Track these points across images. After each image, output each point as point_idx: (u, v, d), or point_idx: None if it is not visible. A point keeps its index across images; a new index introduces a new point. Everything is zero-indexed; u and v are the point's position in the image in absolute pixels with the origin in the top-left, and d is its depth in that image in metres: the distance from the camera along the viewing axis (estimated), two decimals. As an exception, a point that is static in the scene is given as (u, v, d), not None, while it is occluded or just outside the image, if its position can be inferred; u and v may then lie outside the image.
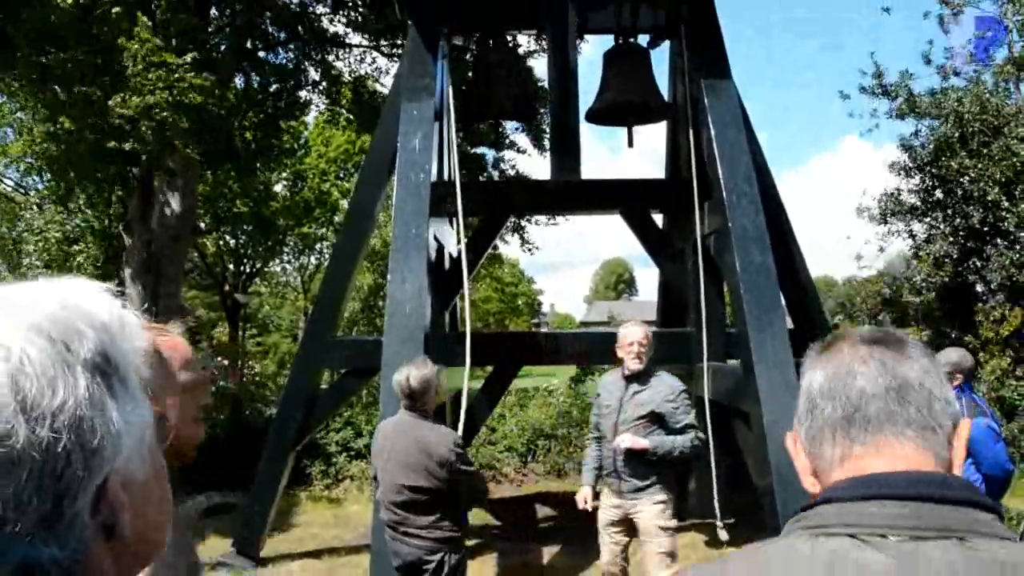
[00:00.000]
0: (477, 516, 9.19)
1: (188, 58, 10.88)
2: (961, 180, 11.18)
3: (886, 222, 12.44)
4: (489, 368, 9.56)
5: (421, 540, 4.48)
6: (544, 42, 10.55)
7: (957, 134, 11.39)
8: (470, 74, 9.64)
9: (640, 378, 5.21)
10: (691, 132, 7.36)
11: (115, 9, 10.78)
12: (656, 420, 5.14)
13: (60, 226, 14.86)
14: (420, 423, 4.52)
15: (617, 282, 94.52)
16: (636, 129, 8.40)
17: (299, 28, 15.00)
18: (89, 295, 0.79)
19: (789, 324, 7.34)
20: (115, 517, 0.71)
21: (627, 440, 5.04)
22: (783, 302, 6.84)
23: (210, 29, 14.10)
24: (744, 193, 6.67)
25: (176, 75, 10.73)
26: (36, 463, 0.65)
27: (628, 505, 5.21)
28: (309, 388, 8.11)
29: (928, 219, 12.15)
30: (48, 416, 0.66)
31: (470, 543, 7.41)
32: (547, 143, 15.20)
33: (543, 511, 9.95)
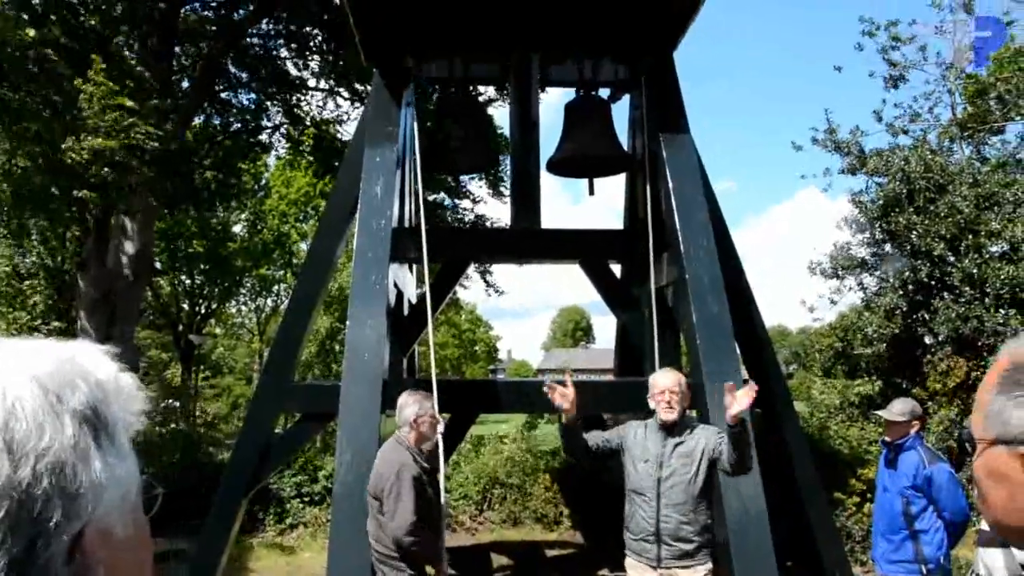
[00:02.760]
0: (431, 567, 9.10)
1: (142, 105, 10.81)
2: (909, 235, 11.50)
3: (837, 276, 12.74)
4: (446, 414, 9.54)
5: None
6: (506, 92, 10.71)
7: (904, 191, 11.75)
8: (428, 124, 9.76)
9: (679, 429, 4.69)
10: (648, 184, 7.48)
11: (61, 59, 10.70)
12: (710, 468, 4.57)
13: (10, 261, 14.59)
14: None
15: (575, 329, 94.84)
16: (599, 180, 8.54)
17: (262, 70, 15.06)
18: (90, 356, 0.83)
19: (744, 375, 7.46)
20: (90, 569, 0.71)
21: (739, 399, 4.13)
22: (738, 352, 6.93)
23: (174, 68, 14.11)
24: (700, 245, 6.80)
25: (130, 120, 10.68)
26: (13, 502, 0.66)
27: None
28: (264, 432, 8.00)
29: (878, 272, 12.47)
30: (32, 457, 0.68)
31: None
32: (505, 190, 15.38)
33: (499, 560, 9.88)
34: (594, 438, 4.85)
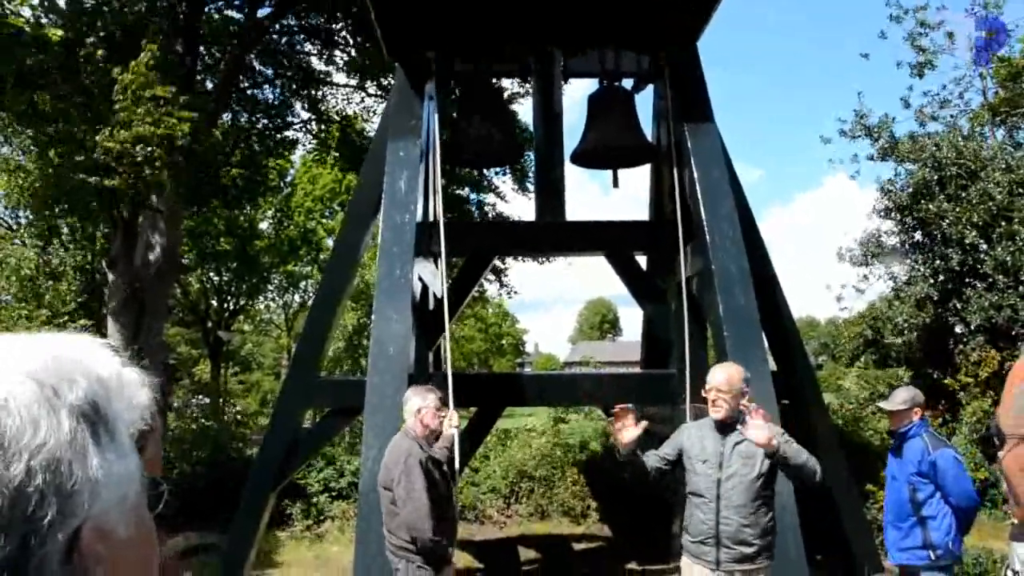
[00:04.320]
0: (460, 558, 9.11)
1: (174, 92, 10.91)
2: (940, 223, 11.33)
3: (867, 264, 12.58)
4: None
5: None
6: (529, 85, 10.67)
7: (935, 178, 11.56)
8: (455, 115, 9.75)
9: (735, 428, 4.47)
10: (674, 174, 7.42)
11: (99, 51, 10.84)
12: (772, 468, 4.40)
13: (34, 261, 14.79)
14: None
15: (601, 322, 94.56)
16: (626, 170, 8.50)
17: (286, 66, 15.14)
18: (91, 351, 0.81)
19: (772, 366, 7.40)
20: (89, 569, 0.70)
21: (757, 428, 4.21)
22: (765, 344, 6.87)
23: (199, 66, 14.21)
24: (727, 235, 6.74)
25: (164, 109, 10.79)
26: (5, 500, 0.65)
27: None
28: (292, 428, 8.04)
29: (908, 261, 12.29)
30: (25, 453, 0.66)
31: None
32: (530, 185, 15.35)
33: (526, 554, 9.87)
34: (654, 459, 4.70)
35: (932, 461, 5.26)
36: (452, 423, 5.44)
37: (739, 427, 4.47)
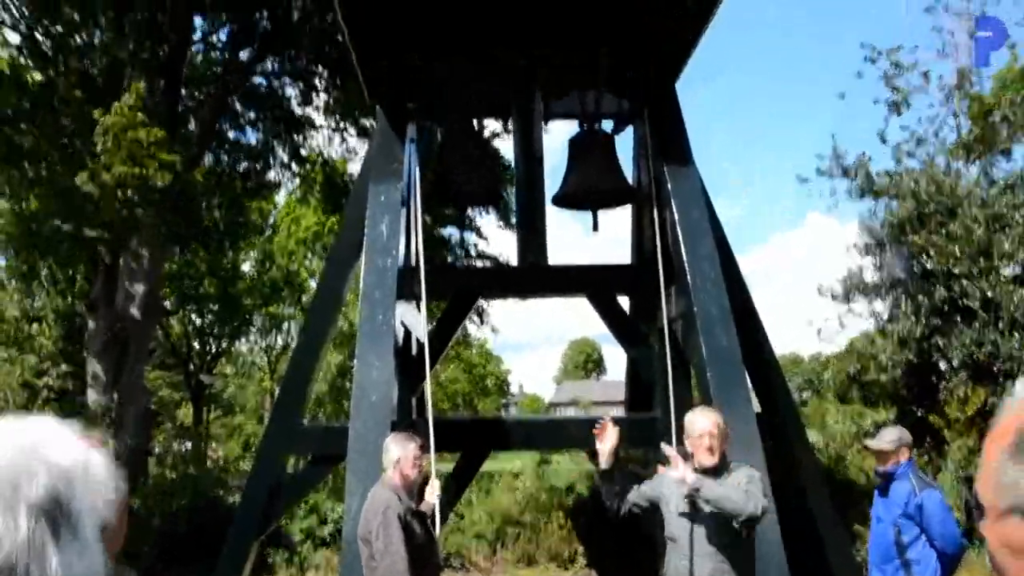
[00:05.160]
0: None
1: (159, 134, 10.91)
2: (921, 259, 11.41)
3: (848, 300, 12.64)
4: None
5: None
6: (511, 125, 10.74)
7: (915, 213, 11.67)
8: (437, 156, 9.79)
9: (715, 473, 4.40)
10: (654, 216, 7.45)
11: (77, 92, 10.83)
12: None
13: (19, 304, 14.65)
14: None
15: (586, 361, 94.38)
16: (607, 212, 8.53)
17: (267, 109, 15.20)
18: (55, 438, 0.79)
19: (756, 407, 7.37)
20: None
21: (680, 471, 4.24)
22: (749, 385, 6.85)
23: (180, 109, 14.24)
24: (707, 276, 6.74)
25: (146, 151, 10.77)
26: None
27: None
28: (274, 475, 7.92)
29: (890, 297, 12.36)
30: None
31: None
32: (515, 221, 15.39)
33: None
34: (634, 494, 4.69)
35: (919, 503, 5.22)
36: (435, 492, 5.37)
37: (727, 471, 4.45)
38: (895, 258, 11.92)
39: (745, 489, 4.33)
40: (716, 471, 4.42)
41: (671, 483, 4.53)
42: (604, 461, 4.60)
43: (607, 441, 4.60)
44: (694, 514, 4.40)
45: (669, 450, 4.46)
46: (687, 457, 4.52)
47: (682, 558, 4.42)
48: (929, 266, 11.23)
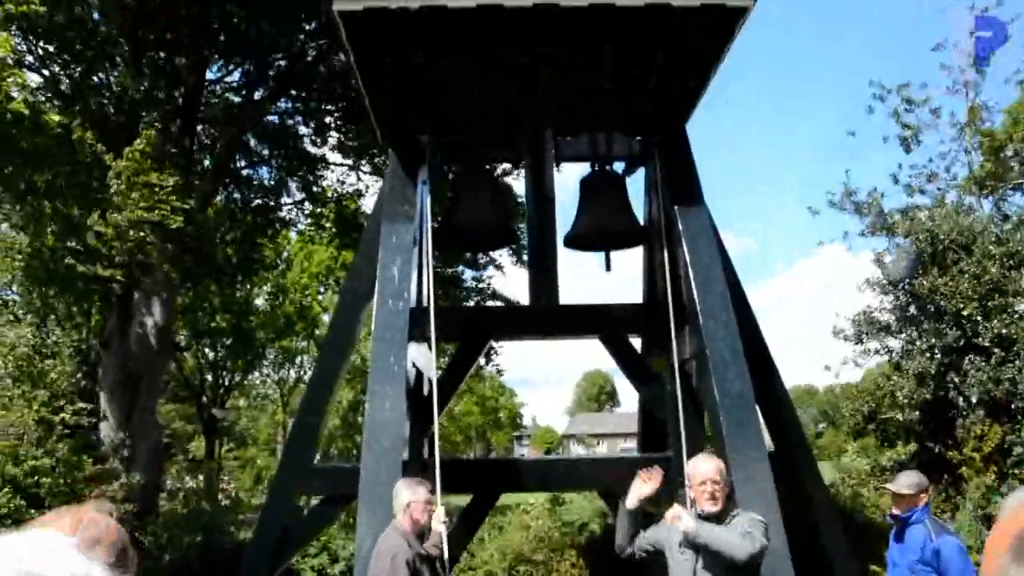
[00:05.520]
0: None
1: (171, 181, 11.04)
2: (934, 297, 11.36)
3: (861, 342, 12.57)
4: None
5: None
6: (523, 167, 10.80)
7: (929, 252, 11.62)
8: (449, 197, 9.85)
9: (718, 519, 4.43)
10: (665, 258, 7.46)
11: (89, 133, 10.97)
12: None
13: (31, 340, 14.73)
14: None
15: (599, 394, 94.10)
16: (618, 252, 8.55)
17: (281, 147, 15.35)
18: (56, 557, 0.80)
19: (769, 446, 7.33)
20: None
21: (678, 518, 4.30)
22: (762, 428, 6.82)
23: (195, 147, 14.40)
24: (719, 318, 6.73)
25: (158, 196, 10.89)
26: None
27: None
28: (285, 515, 7.91)
29: (903, 335, 12.29)
30: None
31: None
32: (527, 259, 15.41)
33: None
34: (641, 540, 4.72)
35: (936, 549, 5.16)
36: (440, 519, 5.36)
37: (730, 516, 4.47)
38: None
39: (747, 531, 4.35)
40: (719, 518, 4.44)
41: (672, 529, 4.54)
42: (633, 502, 4.60)
43: (648, 486, 4.60)
44: (696, 559, 4.39)
45: (673, 511, 4.46)
46: (692, 503, 4.55)
47: None
48: (942, 303, 11.18)
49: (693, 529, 4.27)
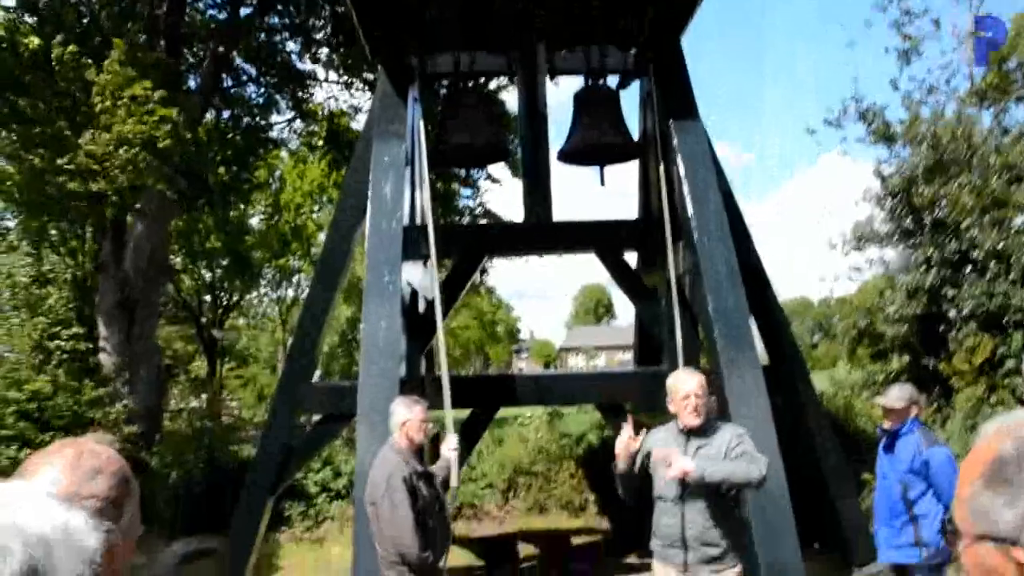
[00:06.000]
0: (458, 556, 9.13)
1: (156, 94, 10.85)
2: (932, 210, 11.30)
3: (859, 250, 12.54)
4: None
5: None
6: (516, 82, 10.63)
7: (931, 163, 11.47)
8: (439, 112, 9.71)
9: (701, 432, 4.49)
10: (660, 172, 7.40)
11: (70, 48, 10.72)
12: None
13: (30, 268, 14.71)
14: None
15: (596, 307, 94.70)
16: (613, 168, 8.48)
17: (269, 63, 15.05)
18: (32, 507, 0.80)
19: (764, 358, 7.41)
20: None
21: (682, 466, 4.23)
22: (755, 341, 6.88)
23: (182, 67, 14.12)
24: (714, 232, 6.73)
25: (145, 108, 10.71)
26: None
27: None
28: (286, 435, 8.04)
29: (901, 247, 12.26)
30: None
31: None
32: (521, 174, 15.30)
33: (526, 549, 9.89)
34: (638, 481, 4.72)
35: (925, 459, 5.23)
36: (451, 447, 5.42)
37: (713, 429, 4.54)
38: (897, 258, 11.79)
39: (743, 452, 4.41)
40: (702, 430, 4.49)
41: (657, 443, 4.58)
42: (624, 463, 4.59)
43: (633, 444, 4.57)
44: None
45: (659, 452, 4.44)
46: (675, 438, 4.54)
47: (673, 517, 4.47)
48: (940, 216, 11.12)
49: (699, 472, 4.23)
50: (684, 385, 4.51)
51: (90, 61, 11.06)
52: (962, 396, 10.13)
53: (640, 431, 4.67)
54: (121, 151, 10.71)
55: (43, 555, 0.76)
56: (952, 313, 10.79)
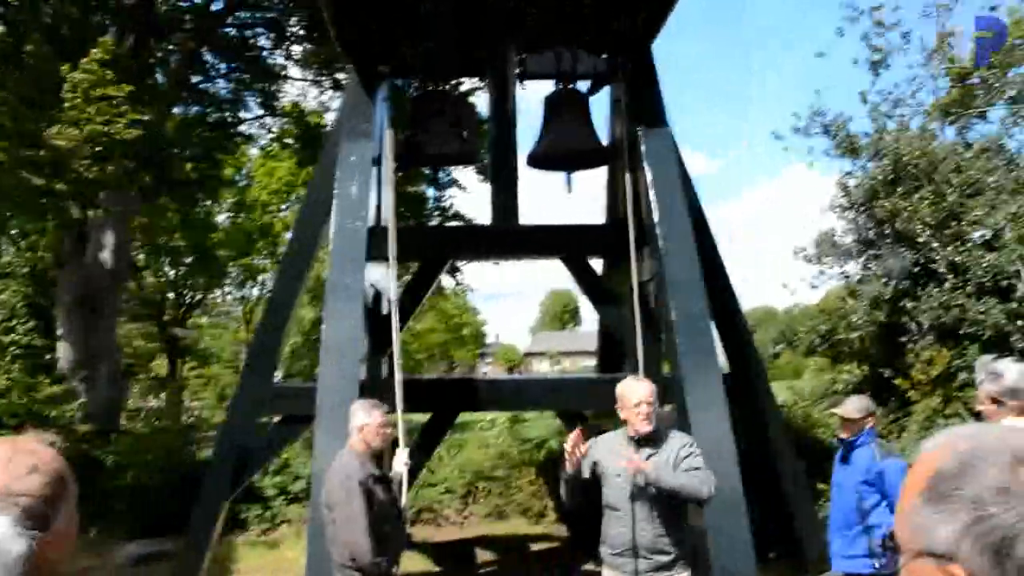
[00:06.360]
0: (415, 562, 9.08)
1: (126, 90, 10.71)
2: (893, 222, 11.44)
3: (819, 261, 12.68)
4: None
5: None
6: (485, 85, 10.61)
7: (892, 176, 11.64)
8: (409, 112, 9.66)
9: (651, 440, 4.51)
10: (628, 179, 7.42)
11: (42, 46, 10.58)
12: None
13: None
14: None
15: (563, 312, 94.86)
16: (583, 173, 8.48)
17: (239, 58, 14.92)
18: None
19: (724, 368, 7.44)
20: None
21: (637, 461, 4.28)
22: (717, 350, 6.91)
23: (151, 60, 13.95)
24: (679, 239, 6.74)
25: (116, 109, 10.58)
26: None
27: None
28: (245, 435, 7.93)
29: (863, 258, 12.41)
30: None
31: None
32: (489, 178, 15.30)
33: (484, 555, 9.86)
34: (583, 485, 4.68)
35: (880, 470, 5.29)
36: (402, 461, 5.39)
37: (662, 438, 4.54)
38: (894, 259, 11.84)
39: (695, 468, 4.44)
40: (652, 439, 4.50)
41: (606, 453, 4.58)
42: (571, 467, 4.53)
43: (580, 449, 4.49)
44: (631, 483, 4.44)
45: (624, 456, 4.42)
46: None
47: (623, 525, 4.47)
48: (899, 228, 11.27)
49: (654, 473, 4.29)
50: (636, 392, 4.51)
51: (58, 59, 10.90)
52: (919, 407, 10.26)
53: (589, 440, 4.62)
54: (87, 147, 10.57)
55: None
56: (912, 326, 10.94)
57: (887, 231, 11.67)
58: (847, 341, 12.10)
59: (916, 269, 11.14)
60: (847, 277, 12.59)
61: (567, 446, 4.52)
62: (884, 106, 13.09)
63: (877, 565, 5.33)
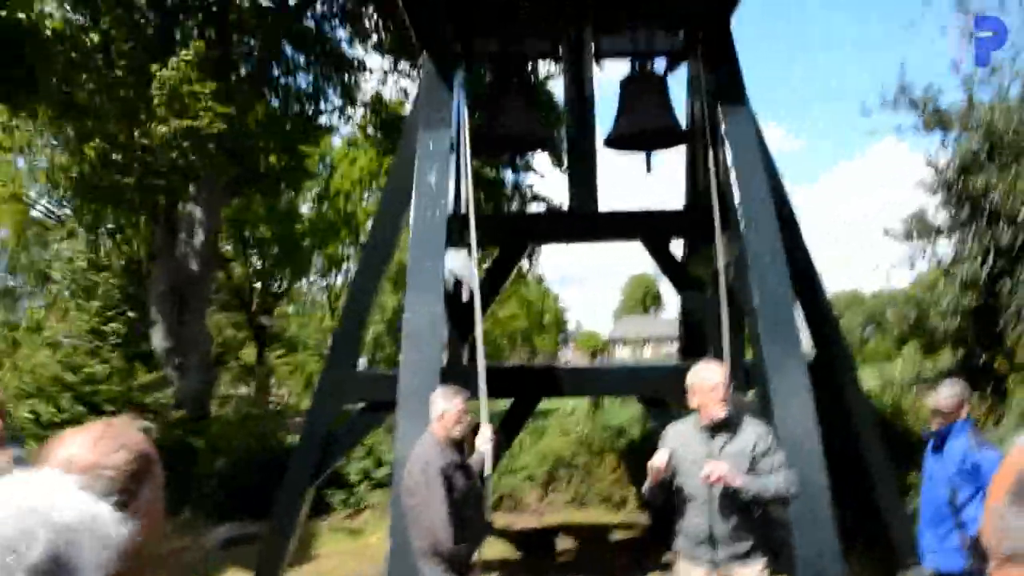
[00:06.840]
0: (495, 549, 9.12)
1: (209, 87, 10.99)
2: (988, 198, 10.93)
3: (912, 240, 12.18)
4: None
5: None
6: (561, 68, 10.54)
7: (985, 147, 11.09)
8: (485, 98, 9.66)
9: (727, 427, 4.41)
10: (709, 159, 7.26)
11: (128, 46, 10.91)
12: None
13: (86, 254, 15.04)
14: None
15: (644, 297, 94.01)
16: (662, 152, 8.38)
17: (318, 51, 15.15)
18: (58, 496, 0.81)
19: (808, 353, 7.25)
20: None
21: (720, 471, 4.18)
22: (799, 334, 6.71)
23: (233, 57, 14.28)
24: (761, 221, 6.58)
25: (200, 104, 10.86)
26: None
27: None
28: (328, 424, 8.07)
29: (955, 238, 11.89)
30: None
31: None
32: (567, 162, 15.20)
33: (564, 543, 9.84)
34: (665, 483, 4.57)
35: (976, 462, 4.99)
36: (485, 438, 5.38)
37: (738, 424, 4.45)
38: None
39: (777, 466, 4.37)
40: (726, 424, 4.40)
41: (681, 443, 4.49)
42: (654, 485, 4.47)
43: (661, 473, 4.40)
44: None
45: (708, 467, 4.28)
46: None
47: (701, 514, 4.39)
48: (995, 205, 10.75)
49: (738, 484, 4.21)
50: (711, 377, 4.41)
51: (145, 58, 11.25)
52: (1019, 395, 9.80)
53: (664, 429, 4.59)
54: (175, 142, 10.90)
55: (65, 543, 0.77)
56: (1012, 308, 10.43)
57: (983, 208, 11.12)
58: (938, 328, 11.59)
59: (1014, 249, 10.60)
60: (939, 261, 12.06)
61: (652, 466, 4.41)
62: (980, 74, 12.45)
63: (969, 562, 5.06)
